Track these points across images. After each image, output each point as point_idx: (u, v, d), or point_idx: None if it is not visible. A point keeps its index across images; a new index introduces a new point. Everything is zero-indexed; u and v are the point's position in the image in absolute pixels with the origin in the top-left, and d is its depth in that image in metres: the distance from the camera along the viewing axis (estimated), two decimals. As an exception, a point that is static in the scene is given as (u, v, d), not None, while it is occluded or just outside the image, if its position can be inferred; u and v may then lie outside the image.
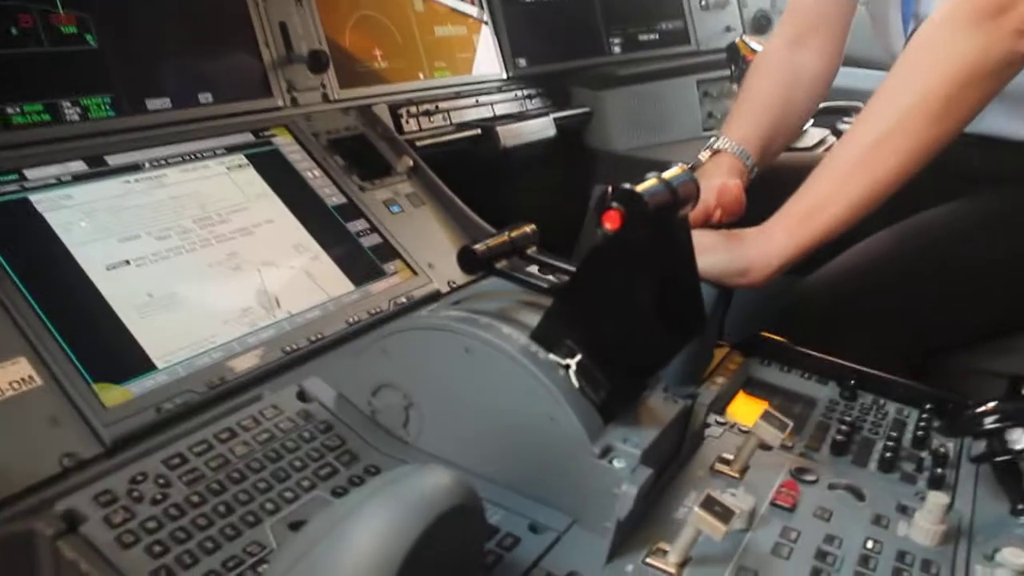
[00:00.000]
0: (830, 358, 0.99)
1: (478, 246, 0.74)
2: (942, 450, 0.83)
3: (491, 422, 0.73)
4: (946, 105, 0.91)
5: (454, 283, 1.14)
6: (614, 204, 0.63)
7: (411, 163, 1.24)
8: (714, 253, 0.93)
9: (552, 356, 0.71)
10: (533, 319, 0.75)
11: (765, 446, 0.81)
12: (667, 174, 0.69)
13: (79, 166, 0.94)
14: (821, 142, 1.74)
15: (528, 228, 0.80)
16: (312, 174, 1.14)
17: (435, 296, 1.11)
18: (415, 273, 1.11)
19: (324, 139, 1.20)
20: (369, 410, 0.80)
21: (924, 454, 0.85)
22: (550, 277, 0.77)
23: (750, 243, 0.95)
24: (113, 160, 0.97)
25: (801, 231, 0.94)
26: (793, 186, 0.98)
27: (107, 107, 1.00)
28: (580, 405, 0.69)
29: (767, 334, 1.03)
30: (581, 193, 1.76)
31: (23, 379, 0.76)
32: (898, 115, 0.92)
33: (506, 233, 0.77)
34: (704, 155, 1.20)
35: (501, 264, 0.76)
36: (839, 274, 1.12)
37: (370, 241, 1.11)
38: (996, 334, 1.11)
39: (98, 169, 0.95)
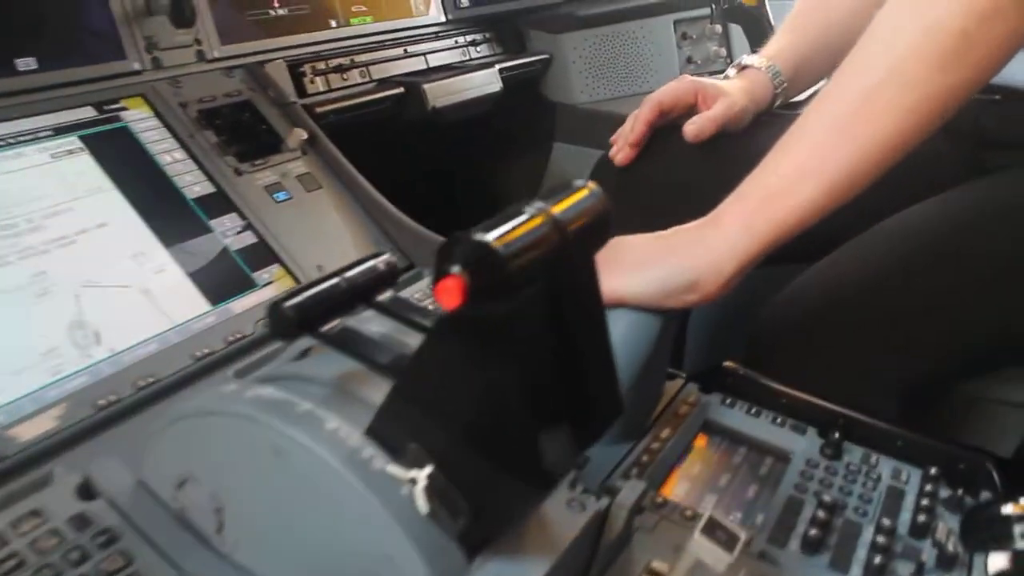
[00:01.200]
0: (809, 397, 0.77)
1: (293, 301, 0.52)
2: (950, 547, 0.62)
3: (317, 547, 0.52)
4: (960, 44, 0.66)
5: (351, 290, 0.92)
6: (451, 268, 0.41)
7: (305, 135, 1.01)
8: (646, 268, 0.70)
9: (392, 467, 0.49)
10: (377, 397, 0.53)
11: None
12: (557, 202, 0.47)
13: None
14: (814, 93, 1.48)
15: (382, 261, 0.57)
16: (171, 157, 0.92)
17: (323, 309, 0.89)
18: (297, 281, 0.90)
19: (193, 110, 0.97)
20: (176, 507, 0.59)
21: (925, 549, 0.64)
22: (399, 343, 0.55)
23: (694, 245, 0.71)
24: None
25: (761, 221, 0.69)
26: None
27: None
28: (429, 538, 0.49)
29: (731, 364, 0.81)
30: (538, 159, 1.52)
31: None
32: (894, 59, 0.67)
33: (341, 276, 0.55)
34: (731, 72, 1.11)
35: (332, 325, 0.54)
36: (819, 285, 0.89)
37: (241, 242, 0.89)
38: (1017, 354, 0.88)
39: None
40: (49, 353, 0.72)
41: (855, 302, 0.86)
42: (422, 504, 0.49)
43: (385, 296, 0.57)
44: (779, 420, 0.78)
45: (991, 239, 0.85)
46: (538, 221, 0.45)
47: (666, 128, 1.10)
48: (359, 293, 0.56)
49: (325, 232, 0.96)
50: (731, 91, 1.06)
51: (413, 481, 0.49)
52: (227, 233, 0.89)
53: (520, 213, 0.45)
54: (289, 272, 0.90)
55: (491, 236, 0.42)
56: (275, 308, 0.52)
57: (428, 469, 0.49)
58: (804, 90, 1.14)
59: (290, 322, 0.52)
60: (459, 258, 0.41)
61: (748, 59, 1.11)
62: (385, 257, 0.58)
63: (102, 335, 0.75)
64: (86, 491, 0.60)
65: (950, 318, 0.83)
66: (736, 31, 1.53)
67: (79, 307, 0.75)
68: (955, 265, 0.85)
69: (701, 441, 0.78)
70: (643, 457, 0.72)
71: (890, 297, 0.85)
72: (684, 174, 1.05)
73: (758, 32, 1.44)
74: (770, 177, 0.70)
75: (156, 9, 0.97)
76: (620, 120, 1.49)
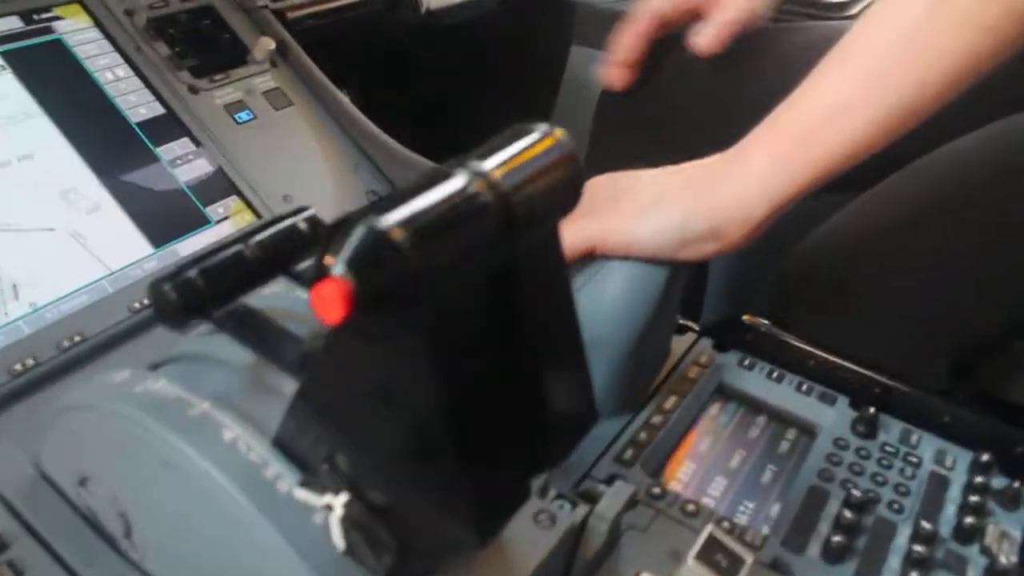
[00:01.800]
0: (840, 360, 0.66)
1: (180, 277, 0.41)
2: (1003, 557, 0.52)
3: (222, 570, 0.43)
4: None
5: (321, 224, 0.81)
6: (332, 268, 0.30)
7: (273, 45, 0.89)
8: (658, 210, 0.58)
9: (300, 492, 0.39)
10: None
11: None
12: (495, 158, 0.35)
13: None
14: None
15: (303, 219, 0.46)
16: (113, 74, 0.80)
17: (290, 248, 0.78)
18: (258, 215, 0.79)
19: (143, 18, 0.85)
20: (81, 504, 0.50)
21: (972, 557, 0.54)
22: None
23: (716, 184, 0.58)
24: None
25: (799, 158, 0.57)
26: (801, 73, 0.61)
27: None
28: (346, 580, 0.39)
29: (751, 317, 0.69)
30: (553, 66, 1.37)
31: None
32: None
33: (246, 243, 0.44)
34: None
35: (233, 306, 0.43)
36: (860, 224, 0.75)
37: (193, 171, 0.78)
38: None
39: None
40: (-45, 311, 0.62)
41: (902, 246, 0.72)
42: (338, 538, 0.39)
43: (306, 264, 0.46)
44: (805, 386, 0.67)
45: None
46: (468, 192, 0.33)
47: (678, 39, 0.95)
48: (272, 261, 0.45)
49: (295, 157, 0.85)
50: None
51: (328, 508, 0.39)
52: (176, 162, 0.78)
53: (444, 180, 0.33)
54: (248, 205, 0.79)
55: (390, 221, 0.30)
56: (155, 287, 0.41)
57: (344, 496, 0.39)
58: None
59: (175, 305, 0.41)
60: (344, 253, 0.30)
61: None
62: (307, 214, 0.47)
63: (20, 288, 0.65)
64: (-24, 488, 0.51)
65: (1017, 267, 0.70)
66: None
67: (-5, 256, 0.66)
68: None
69: (713, 408, 0.67)
70: (641, 434, 0.61)
71: (944, 239, 0.71)
72: (699, 97, 0.91)
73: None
74: (811, 104, 0.57)
75: None
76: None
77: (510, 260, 0.37)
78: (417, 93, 1.10)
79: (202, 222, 0.76)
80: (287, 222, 0.46)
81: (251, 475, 0.40)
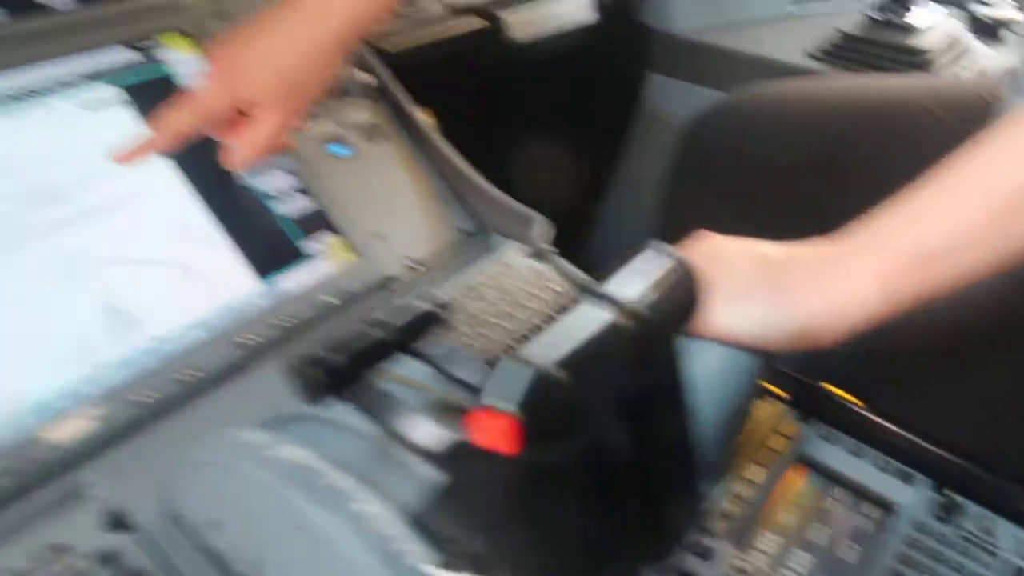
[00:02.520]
0: (922, 440, 0.67)
1: (319, 358, 0.44)
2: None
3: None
4: None
5: (413, 261, 0.84)
6: (504, 404, 0.32)
7: (371, 79, 0.91)
8: (749, 304, 0.56)
9: (429, 568, 0.42)
10: (421, 466, 0.46)
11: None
12: (628, 286, 0.37)
13: None
14: (949, 41, 1.30)
15: (426, 302, 0.49)
16: (219, 106, 0.83)
17: (383, 285, 0.81)
18: (356, 253, 0.81)
19: (248, 49, 0.87)
20: (214, 546, 0.53)
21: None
22: (449, 413, 0.46)
23: (812, 291, 0.57)
24: None
25: (907, 284, 0.56)
26: (897, 122, 0.60)
27: None
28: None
29: (833, 387, 0.71)
30: (630, 94, 1.39)
31: None
32: None
33: (375, 321, 0.46)
34: None
35: (367, 386, 0.46)
36: (957, 304, 0.76)
37: (292, 205, 0.81)
38: None
39: None
40: (81, 343, 0.66)
41: (992, 329, 0.73)
42: (468, 621, 0.41)
43: (431, 344, 0.49)
44: (886, 463, 0.68)
45: None
46: (614, 326, 0.35)
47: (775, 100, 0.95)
48: (402, 342, 0.47)
49: (387, 192, 0.88)
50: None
51: (459, 588, 0.42)
52: (277, 196, 0.81)
53: (589, 315, 0.35)
54: (346, 242, 0.81)
55: (552, 361, 0.32)
56: (302, 367, 0.44)
57: (471, 578, 0.41)
58: None
59: (321, 386, 0.44)
60: (514, 392, 0.32)
61: None
62: (428, 296, 0.49)
63: (139, 321, 0.68)
64: (116, 521, 0.55)
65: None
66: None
67: (111, 289, 0.69)
68: None
69: (792, 479, 0.69)
70: (726, 505, 0.63)
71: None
72: (779, 148, 0.91)
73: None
74: (930, 232, 0.56)
75: (209, -71, 0.87)
76: (724, 52, 1.35)
77: (639, 382, 0.39)
78: (502, 124, 1.12)
79: (301, 257, 0.79)
80: (412, 303, 0.48)
81: (381, 547, 0.43)
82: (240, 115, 0.74)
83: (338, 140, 0.87)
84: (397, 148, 0.91)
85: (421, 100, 0.94)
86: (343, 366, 0.44)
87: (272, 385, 0.69)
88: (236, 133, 0.73)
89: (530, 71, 1.14)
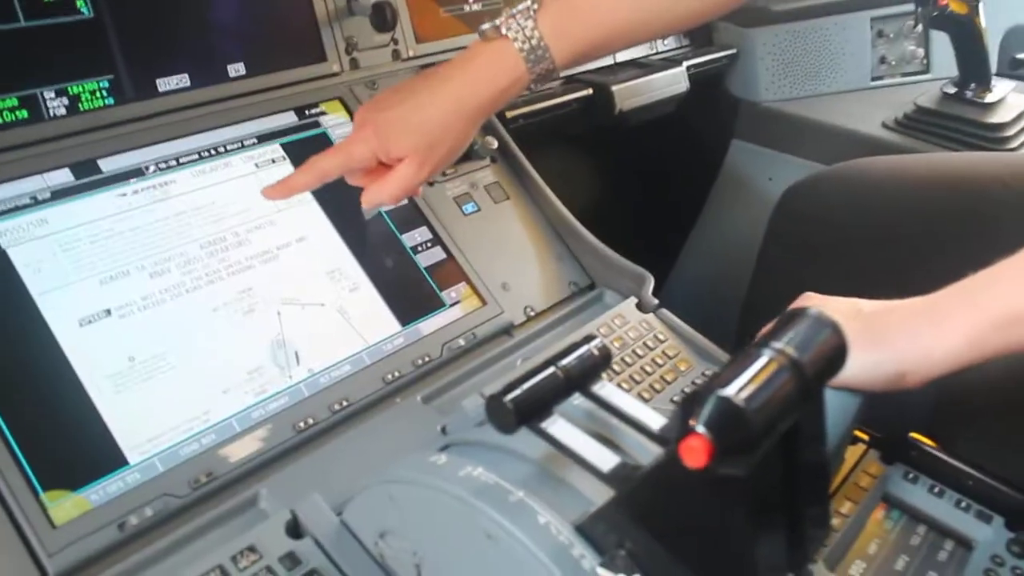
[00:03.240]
0: (999, 485, 0.73)
1: (511, 395, 0.52)
2: None
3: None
4: None
5: (532, 310, 0.92)
6: (698, 428, 0.40)
7: (496, 144, 1.00)
8: (852, 352, 0.66)
9: (600, 570, 0.49)
10: (586, 487, 0.53)
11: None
12: (792, 340, 0.45)
13: (63, 176, 0.76)
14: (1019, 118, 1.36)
15: (595, 347, 0.56)
16: (367, 166, 0.93)
17: (506, 331, 0.90)
18: (483, 302, 0.90)
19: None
20: (377, 552, 0.61)
21: None
22: (614, 441, 0.54)
23: (907, 341, 0.66)
24: (108, 164, 0.78)
25: (993, 341, 0.64)
26: (980, 198, 0.68)
27: (104, 93, 0.81)
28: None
29: (917, 436, 0.77)
30: (715, 157, 1.47)
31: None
32: None
33: (558, 366, 0.54)
34: (487, 28, 0.79)
35: (550, 420, 0.54)
36: (1017, 360, 0.82)
37: (430, 257, 0.90)
38: None
39: (87, 179, 0.76)
40: (253, 374, 0.75)
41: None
42: (627, 611, 0.48)
43: (598, 386, 0.56)
44: (964, 503, 0.74)
45: None
46: (775, 367, 0.43)
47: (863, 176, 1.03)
48: (575, 384, 0.55)
49: (510, 247, 0.96)
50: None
51: (622, 587, 0.49)
52: (417, 248, 0.90)
53: (757, 358, 0.43)
54: (476, 292, 0.90)
55: (734, 391, 0.40)
56: (496, 401, 0.52)
57: (636, 577, 0.48)
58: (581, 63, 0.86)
59: (511, 416, 0.52)
60: (703, 416, 0.40)
61: (506, 22, 0.78)
62: (597, 342, 0.57)
63: (301, 355, 0.77)
64: (294, 529, 0.63)
65: None
66: (940, 36, 1.42)
67: (280, 327, 0.78)
68: None
69: (879, 514, 0.75)
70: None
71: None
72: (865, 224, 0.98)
73: (968, 42, 1.33)
74: (1013, 295, 0.64)
75: (357, 10, 0.98)
76: (804, 122, 1.43)
77: (798, 420, 0.46)
78: (603, 180, 1.21)
79: (439, 304, 0.87)
80: (584, 348, 0.56)
81: (561, 552, 0.50)
82: (381, 165, 0.80)
83: (467, 198, 0.96)
84: (516, 206, 1.00)
85: (536, 161, 1.02)
86: (530, 402, 0.52)
87: (410, 415, 0.78)
88: (375, 179, 0.80)
89: (630, 135, 1.23)
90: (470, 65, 0.79)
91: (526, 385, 0.53)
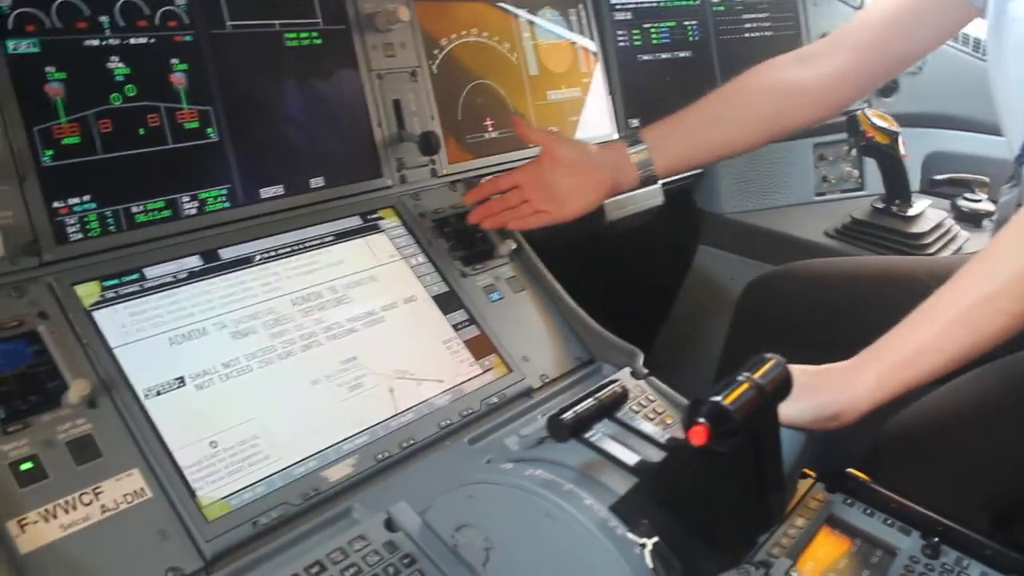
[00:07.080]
0: (915, 506, 0.96)
1: (567, 415, 0.76)
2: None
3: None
4: None
5: (547, 377, 1.16)
6: (700, 420, 0.64)
7: (514, 246, 1.26)
8: (801, 400, 0.90)
9: (630, 534, 0.72)
10: (613, 483, 0.76)
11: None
12: (757, 373, 0.69)
13: (194, 261, 0.99)
14: (937, 227, 1.65)
15: (619, 386, 0.81)
16: (416, 260, 1.17)
17: (527, 393, 1.13)
18: (509, 369, 1.13)
19: (430, 220, 1.23)
20: (452, 543, 0.83)
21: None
22: (634, 448, 0.78)
23: (839, 386, 0.92)
24: (226, 253, 1.02)
25: (893, 379, 0.91)
26: (900, 292, 0.96)
27: (223, 198, 1.05)
28: (651, 587, 0.71)
29: (854, 471, 1.01)
30: (684, 260, 1.75)
31: (135, 491, 0.82)
32: (1009, 276, 0.88)
33: (595, 398, 0.78)
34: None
35: (591, 433, 0.78)
36: (929, 413, 1.08)
37: (467, 334, 1.13)
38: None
39: (211, 264, 1.00)
40: (339, 415, 0.97)
41: (958, 431, 1.05)
42: (648, 562, 0.71)
43: (623, 413, 0.80)
44: (889, 521, 0.97)
45: None
46: (747, 386, 0.68)
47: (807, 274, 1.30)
48: (605, 409, 0.79)
49: (528, 328, 1.20)
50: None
51: (643, 545, 0.71)
52: (458, 326, 1.13)
53: (736, 381, 0.68)
54: (504, 361, 1.13)
55: (722, 398, 0.64)
56: (555, 420, 0.76)
57: (654, 539, 0.71)
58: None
59: (566, 430, 0.75)
60: (704, 413, 0.64)
61: (633, 145, 1.29)
62: (619, 383, 0.81)
63: (395, 394, 1.00)
64: (390, 525, 0.84)
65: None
66: (870, 161, 1.73)
67: (362, 381, 1.00)
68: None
69: (825, 531, 0.98)
70: (783, 539, 0.93)
71: (1001, 430, 1.03)
72: (814, 314, 1.25)
73: (890, 167, 1.63)
74: (902, 346, 0.91)
75: (407, 138, 1.24)
76: (759, 230, 1.71)
77: (759, 423, 0.71)
78: (599, 277, 1.47)
79: (476, 370, 1.10)
80: (612, 387, 0.80)
81: (603, 524, 0.72)
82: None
83: (492, 288, 1.21)
84: (531, 295, 1.24)
85: (546, 258, 1.28)
86: (576, 423, 0.76)
87: (460, 452, 1.00)
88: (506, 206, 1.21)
89: (617, 239, 1.50)
90: None
91: (575, 409, 0.77)
